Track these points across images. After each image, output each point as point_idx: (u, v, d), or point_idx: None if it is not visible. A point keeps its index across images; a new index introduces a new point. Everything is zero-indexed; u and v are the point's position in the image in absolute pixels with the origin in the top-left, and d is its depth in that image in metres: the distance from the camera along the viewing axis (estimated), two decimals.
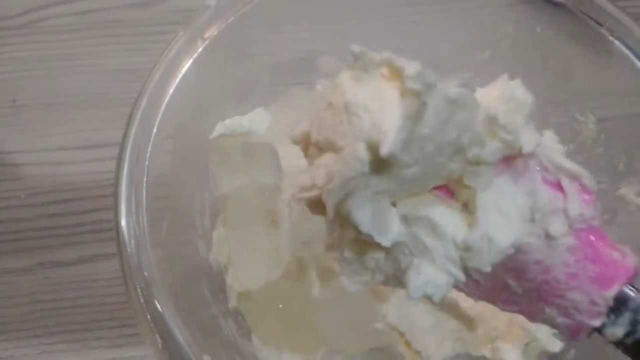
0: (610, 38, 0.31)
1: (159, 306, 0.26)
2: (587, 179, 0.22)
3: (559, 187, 0.22)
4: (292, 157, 0.34)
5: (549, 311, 0.22)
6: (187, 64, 0.31)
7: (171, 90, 0.31)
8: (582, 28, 0.32)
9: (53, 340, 0.37)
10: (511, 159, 0.22)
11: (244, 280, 0.32)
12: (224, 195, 0.33)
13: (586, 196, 0.22)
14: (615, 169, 0.32)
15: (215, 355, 0.27)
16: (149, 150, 0.30)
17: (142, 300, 0.26)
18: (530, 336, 0.32)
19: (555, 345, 0.32)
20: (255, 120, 0.35)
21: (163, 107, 0.30)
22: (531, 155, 0.22)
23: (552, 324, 0.23)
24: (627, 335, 0.22)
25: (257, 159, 0.34)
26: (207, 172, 0.33)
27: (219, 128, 0.34)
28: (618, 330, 0.22)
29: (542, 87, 0.35)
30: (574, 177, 0.22)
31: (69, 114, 0.44)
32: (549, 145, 0.23)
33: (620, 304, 0.22)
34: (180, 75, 0.31)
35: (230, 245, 0.33)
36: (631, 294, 0.22)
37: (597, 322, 0.22)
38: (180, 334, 0.26)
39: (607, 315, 0.22)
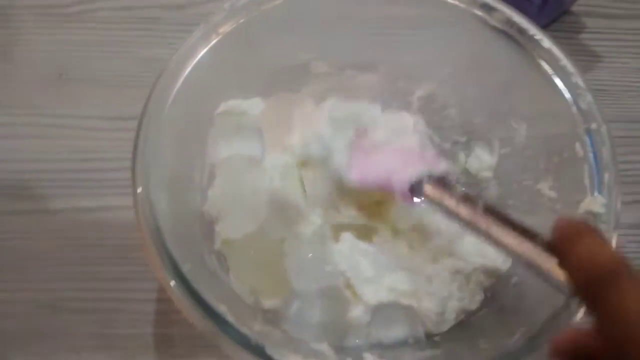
0: (542, 64, 0.38)
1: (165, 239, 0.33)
2: None
3: None
4: (272, 141, 0.42)
5: None
6: (202, 52, 0.39)
7: (186, 72, 0.39)
8: (523, 54, 0.39)
9: (71, 269, 0.45)
10: None
11: (228, 230, 0.40)
12: (219, 161, 0.41)
13: None
14: (536, 168, 0.39)
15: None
16: (163, 118, 0.37)
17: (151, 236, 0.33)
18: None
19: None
20: (251, 106, 0.43)
21: (178, 85, 0.38)
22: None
23: None
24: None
25: (246, 136, 0.42)
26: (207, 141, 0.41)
27: (222, 107, 0.41)
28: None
29: (491, 98, 0.42)
30: None
31: (106, 91, 0.52)
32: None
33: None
34: (195, 61, 0.39)
35: (221, 202, 0.41)
36: None
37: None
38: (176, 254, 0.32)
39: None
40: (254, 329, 0.31)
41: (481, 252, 0.38)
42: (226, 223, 0.40)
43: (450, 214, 0.33)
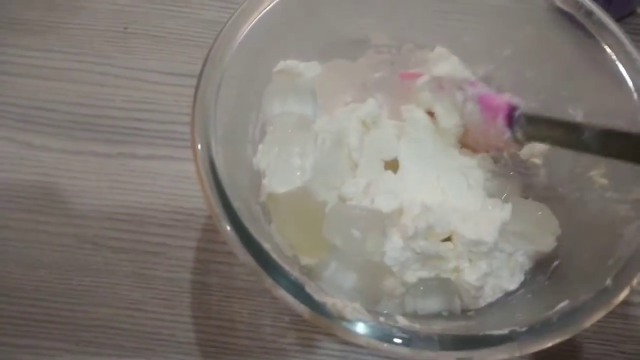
0: (605, 48, 0.38)
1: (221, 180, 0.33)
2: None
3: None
4: (325, 105, 0.43)
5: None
6: (262, 12, 0.38)
7: (247, 30, 0.39)
8: (587, 38, 0.39)
9: (118, 210, 0.47)
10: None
11: (273, 184, 0.40)
12: (271, 117, 0.42)
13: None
14: (589, 155, 0.38)
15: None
16: (223, 72, 0.37)
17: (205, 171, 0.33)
18: None
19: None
20: (308, 68, 0.43)
21: (238, 40, 0.38)
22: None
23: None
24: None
25: (300, 96, 0.42)
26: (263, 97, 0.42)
27: (280, 65, 0.42)
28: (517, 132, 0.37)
29: (549, 82, 0.42)
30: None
31: (167, 46, 0.54)
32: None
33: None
34: (256, 20, 0.38)
35: (270, 157, 0.41)
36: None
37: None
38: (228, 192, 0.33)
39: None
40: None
41: (529, 234, 0.38)
42: (272, 177, 0.41)
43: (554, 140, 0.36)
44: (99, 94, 0.52)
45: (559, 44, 0.40)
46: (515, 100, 0.38)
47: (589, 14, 0.38)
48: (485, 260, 0.38)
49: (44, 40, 0.54)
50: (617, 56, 0.38)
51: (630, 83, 0.37)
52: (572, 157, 0.40)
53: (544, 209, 0.38)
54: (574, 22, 0.39)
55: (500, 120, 0.38)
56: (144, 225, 0.46)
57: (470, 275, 0.37)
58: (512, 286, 0.38)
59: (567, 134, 0.35)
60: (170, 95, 0.52)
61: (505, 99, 0.39)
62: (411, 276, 0.39)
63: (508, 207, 0.38)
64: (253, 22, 0.39)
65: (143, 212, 0.47)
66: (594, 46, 0.38)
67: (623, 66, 0.37)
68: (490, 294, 0.38)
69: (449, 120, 0.41)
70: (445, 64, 0.41)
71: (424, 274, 0.39)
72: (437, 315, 0.38)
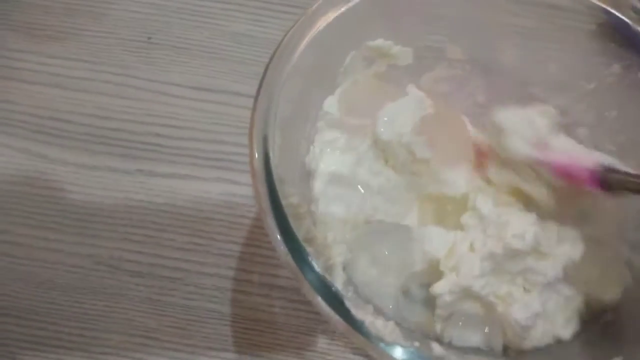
0: None
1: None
2: None
3: None
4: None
5: None
6: (343, 8, 0.36)
7: (322, 26, 0.36)
8: None
9: (134, 231, 0.45)
10: None
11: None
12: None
13: None
14: None
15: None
16: (292, 66, 0.35)
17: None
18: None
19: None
20: (403, 53, 0.41)
21: (311, 37, 0.36)
22: None
23: None
24: None
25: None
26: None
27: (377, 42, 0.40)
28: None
29: (629, 123, 0.39)
30: None
31: (190, 59, 0.52)
32: None
33: None
34: (333, 17, 0.36)
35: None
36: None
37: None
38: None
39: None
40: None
41: (592, 280, 0.36)
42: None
43: None
44: (118, 106, 0.49)
45: None
46: (605, 161, 0.34)
47: None
48: (539, 294, 0.36)
49: (63, 48, 0.52)
50: None
51: None
52: None
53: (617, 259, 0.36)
54: None
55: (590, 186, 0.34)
56: (161, 248, 0.44)
57: (519, 312, 0.34)
58: (566, 334, 0.35)
59: None
60: (193, 110, 0.50)
61: (588, 163, 0.34)
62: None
63: (580, 246, 0.36)
64: (331, 19, 0.36)
65: (161, 234, 0.45)
66: None
67: None
68: (538, 337, 0.35)
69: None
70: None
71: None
72: (475, 349, 0.36)
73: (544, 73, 0.41)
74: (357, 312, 0.28)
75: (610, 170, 0.33)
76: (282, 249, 0.29)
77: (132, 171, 0.47)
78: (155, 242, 0.44)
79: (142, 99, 0.50)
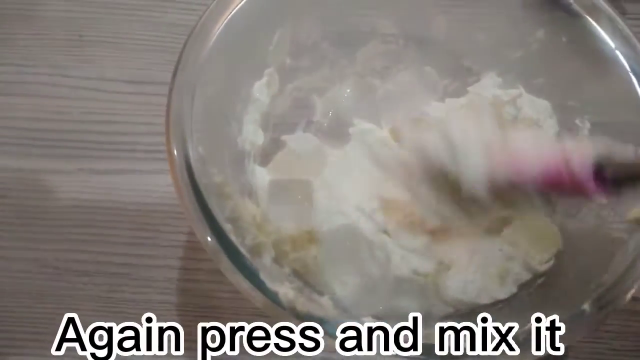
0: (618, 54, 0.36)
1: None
2: None
3: None
4: None
5: None
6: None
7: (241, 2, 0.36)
8: (596, 42, 0.36)
9: (79, 230, 0.44)
10: None
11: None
12: None
13: None
14: None
15: None
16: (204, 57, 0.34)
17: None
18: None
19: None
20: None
21: (229, 17, 0.35)
22: None
23: None
24: None
25: None
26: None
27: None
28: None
29: (557, 91, 0.40)
30: None
31: (124, 53, 0.51)
32: None
33: None
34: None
35: None
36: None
37: None
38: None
39: None
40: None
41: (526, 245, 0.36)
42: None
43: None
44: (54, 106, 0.49)
45: (572, 47, 0.38)
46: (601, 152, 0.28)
47: (611, 18, 0.36)
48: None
49: None
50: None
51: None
52: None
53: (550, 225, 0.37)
54: (586, 24, 0.37)
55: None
56: (107, 245, 0.44)
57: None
58: (502, 294, 0.36)
59: None
60: (131, 104, 0.49)
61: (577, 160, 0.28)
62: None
63: None
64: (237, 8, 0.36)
65: (106, 230, 0.44)
66: (608, 51, 0.36)
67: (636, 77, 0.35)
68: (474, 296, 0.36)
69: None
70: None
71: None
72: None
73: (475, 43, 0.42)
74: (272, 284, 0.28)
75: (606, 159, 0.28)
76: (200, 229, 0.29)
77: (73, 171, 0.46)
78: (101, 239, 0.44)
79: (77, 97, 0.49)
